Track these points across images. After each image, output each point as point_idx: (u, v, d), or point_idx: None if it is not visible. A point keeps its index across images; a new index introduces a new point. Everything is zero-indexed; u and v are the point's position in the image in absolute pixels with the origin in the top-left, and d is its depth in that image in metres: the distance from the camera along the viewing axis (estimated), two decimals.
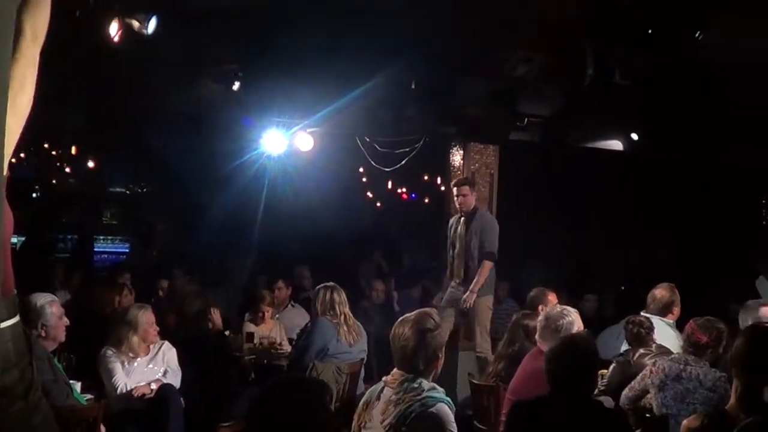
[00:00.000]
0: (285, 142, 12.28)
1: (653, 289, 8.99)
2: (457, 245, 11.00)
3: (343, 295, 9.56)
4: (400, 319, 5.21)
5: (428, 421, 4.78)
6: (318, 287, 9.83)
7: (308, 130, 12.26)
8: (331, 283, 9.68)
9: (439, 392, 4.94)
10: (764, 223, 15.34)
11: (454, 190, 11.11)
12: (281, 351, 10.58)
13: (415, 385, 4.91)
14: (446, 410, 4.85)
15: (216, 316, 9.91)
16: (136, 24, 8.61)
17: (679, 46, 9.44)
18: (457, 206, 11.12)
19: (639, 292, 9.47)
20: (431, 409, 4.79)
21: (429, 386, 4.93)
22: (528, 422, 5.46)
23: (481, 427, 8.07)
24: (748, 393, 4.81)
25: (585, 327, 7.79)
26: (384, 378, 5.17)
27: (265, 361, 10.18)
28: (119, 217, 22.78)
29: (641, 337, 8.12)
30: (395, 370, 5.11)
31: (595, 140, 14.07)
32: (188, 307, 9.92)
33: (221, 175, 14.18)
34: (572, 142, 13.81)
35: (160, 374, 8.52)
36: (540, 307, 9.45)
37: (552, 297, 9.84)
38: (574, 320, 7.26)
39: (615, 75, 10.20)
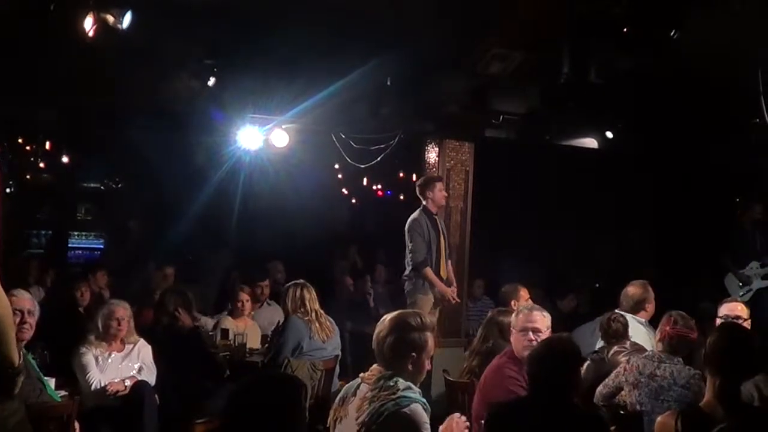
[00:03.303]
0: (260, 138, 12.26)
1: (626, 287, 9.03)
2: (435, 243, 10.95)
3: (313, 292, 9.55)
4: (386, 315, 5.20)
5: (401, 422, 4.77)
6: (288, 285, 9.82)
7: (284, 126, 12.24)
8: (301, 281, 9.67)
9: (415, 392, 4.93)
10: (737, 221, 15.37)
11: (438, 185, 11.05)
12: (256, 348, 10.57)
13: (391, 384, 4.90)
14: (420, 411, 4.84)
15: (185, 315, 9.87)
16: (110, 19, 8.56)
17: (655, 45, 9.47)
18: (441, 203, 11.10)
19: (614, 289, 9.49)
20: (405, 410, 4.78)
21: (405, 385, 4.91)
22: (506, 423, 5.46)
23: None
24: (723, 390, 4.84)
25: (561, 325, 7.81)
26: (361, 374, 5.16)
27: (240, 358, 10.16)
28: (94, 213, 22.65)
29: (617, 334, 8.15)
30: (374, 366, 5.11)
31: (571, 138, 14.11)
32: (165, 304, 9.87)
33: (197, 171, 14.15)
34: (548, 139, 13.84)
35: (134, 371, 8.51)
36: (512, 302, 9.49)
37: (524, 292, 9.87)
38: (522, 315, 7.24)
39: (591, 73, 10.22)
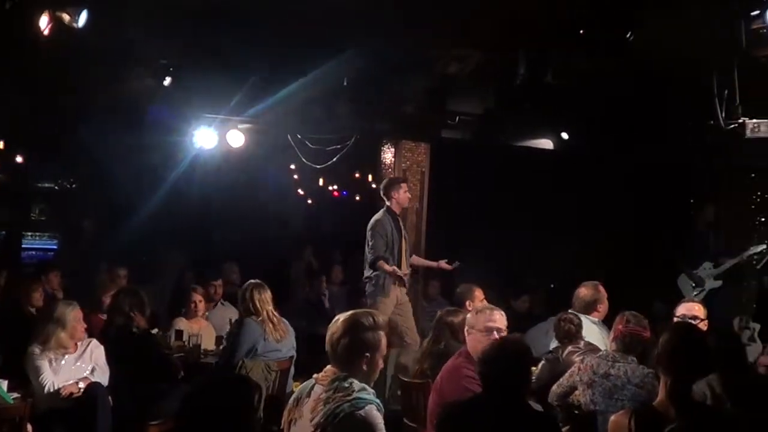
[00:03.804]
0: (216, 138, 12.23)
1: (578, 288, 9.08)
2: (398, 244, 10.96)
3: (267, 293, 9.50)
4: (338, 316, 5.19)
5: (356, 423, 4.75)
6: (243, 286, 9.79)
7: (240, 127, 12.21)
8: (255, 281, 9.63)
9: (370, 393, 4.92)
10: (691, 221, 15.48)
11: (402, 186, 11.08)
12: (210, 349, 10.54)
13: (346, 385, 4.88)
14: (375, 413, 4.83)
15: (139, 316, 9.81)
16: (66, 17, 8.51)
17: (611, 47, 9.52)
18: (405, 204, 11.12)
19: (568, 290, 9.54)
20: (360, 412, 4.77)
21: (359, 386, 4.90)
22: (458, 423, 5.46)
23: (410, 424, 8.06)
24: (675, 390, 4.87)
25: (516, 325, 7.84)
26: (315, 375, 5.15)
27: (195, 359, 10.12)
28: (48, 214, 22.47)
29: (571, 334, 8.20)
30: (328, 366, 5.09)
31: (526, 139, 14.17)
32: (118, 305, 9.80)
33: (152, 171, 14.08)
34: (504, 140, 13.88)
35: (87, 372, 8.43)
36: (467, 303, 9.50)
37: (479, 293, 9.88)
38: (480, 319, 7.26)
39: (547, 75, 10.26)
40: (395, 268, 10.77)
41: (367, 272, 10.92)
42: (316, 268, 16.34)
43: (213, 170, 13.59)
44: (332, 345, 5.04)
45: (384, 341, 5.17)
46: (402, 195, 11.00)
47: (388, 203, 11.00)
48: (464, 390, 6.55)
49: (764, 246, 14.18)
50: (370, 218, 11.58)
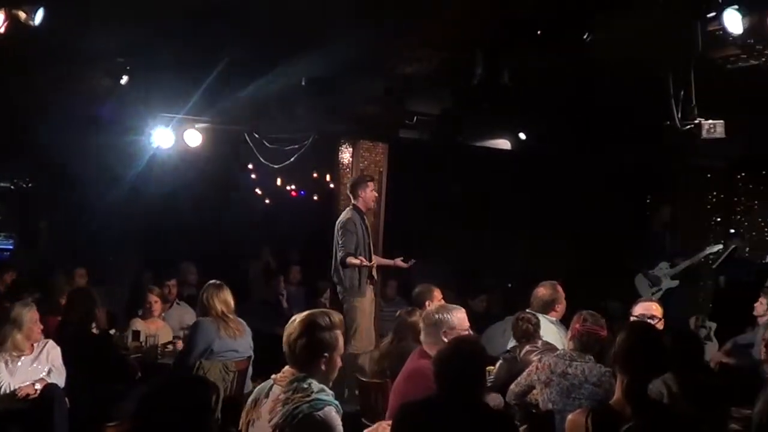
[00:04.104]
0: (174, 137, 12.17)
1: (536, 288, 9.11)
2: (365, 242, 10.97)
3: (222, 293, 9.42)
4: (295, 317, 5.18)
5: (314, 425, 4.75)
6: (204, 287, 9.74)
7: (197, 126, 12.16)
8: (213, 281, 9.58)
9: (328, 395, 4.92)
10: (647, 222, 15.59)
11: (370, 185, 11.10)
12: (168, 350, 10.49)
13: (305, 386, 4.88)
14: (333, 414, 4.83)
15: (101, 314, 9.76)
16: (22, 15, 8.43)
17: (568, 48, 9.56)
18: (371, 203, 11.14)
19: (526, 289, 9.57)
20: (319, 413, 4.77)
21: (318, 388, 4.90)
22: (415, 423, 5.47)
23: (368, 424, 8.07)
24: (631, 388, 4.90)
25: (473, 324, 7.84)
26: (273, 375, 5.14)
27: (152, 359, 10.08)
28: (4, 213, 22.28)
29: (529, 333, 8.24)
30: (286, 367, 5.09)
31: (484, 139, 14.20)
32: (73, 305, 9.74)
33: (109, 171, 13.99)
34: (461, 140, 13.91)
35: (44, 373, 8.38)
36: (426, 303, 9.49)
37: (438, 293, 9.89)
38: (451, 316, 7.28)
39: (504, 75, 10.29)
40: (362, 258, 10.77)
41: (337, 275, 10.93)
42: (274, 268, 16.30)
43: (171, 170, 13.51)
44: (290, 346, 5.03)
45: (341, 340, 5.18)
46: (369, 193, 11.03)
47: (354, 201, 11.02)
48: (430, 390, 6.55)
49: (720, 246, 14.31)
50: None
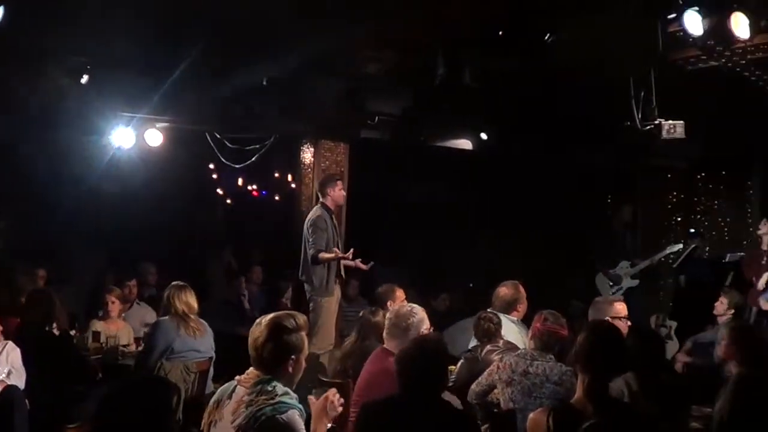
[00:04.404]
0: (134, 136, 12.10)
1: (498, 287, 9.12)
2: (333, 241, 10.96)
3: (185, 294, 9.38)
4: (260, 319, 5.15)
5: (277, 427, 4.72)
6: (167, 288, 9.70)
7: (158, 126, 12.11)
8: (176, 282, 9.54)
9: (293, 398, 4.89)
10: (608, 221, 15.67)
11: (339, 183, 11.09)
12: (128, 350, 10.44)
13: (269, 388, 4.85)
14: (296, 418, 4.80)
15: (62, 315, 9.69)
16: None
17: (530, 49, 9.59)
18: (340, 201, 11.13)
19: (487, 289, 9.58)
20: (282, 416, 4.74)
21: (283, 391, 4.88)
22: (378, 422, 5.47)
23: (330, 424, 8.06)
24: (592, 387, 4.92)
25: (435, 324, 7.85)
26: (237, 377, 5.11)
27: (112, 360, 10.02)
28: None
29: (490, 332, 8.25)
30: (251, 369, 5.06)
31: (446, 139, 14.22)
32: (33, 306, 9.67)
33: (69, 170, 13.88)
34: (423, 140, 13.92)
35: (3, 375, 8.31)
36: (389, 303, 9.49)
37: (400, 293, 9.89)
38: (423, 318, 7.33)
39: (465, 75, 10.30)
40: (336, 250, 10.75)
41: (306, 274, 10.91)
42: (235, 268, 16.26)
43: (131, 169, 13.43)
44: (257, 349, 5.00)
45: (306, 341, 5.16)
46: (337, 192, 11.02)
47: (323, 200, 11.00)
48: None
49: (680, 246, 14.40)
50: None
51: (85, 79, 10.47)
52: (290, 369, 5.02)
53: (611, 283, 14.05)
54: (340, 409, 5.16)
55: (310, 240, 10.76)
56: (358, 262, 11.08)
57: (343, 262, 11.05)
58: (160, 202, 15.66)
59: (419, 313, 7.36)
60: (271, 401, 4.79)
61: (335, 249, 10.76)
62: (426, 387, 5.44)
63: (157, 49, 9.97)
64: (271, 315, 5.13)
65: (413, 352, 5.63)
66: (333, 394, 5.13)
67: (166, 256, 14.89)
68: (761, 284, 12.23)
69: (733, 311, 11.25)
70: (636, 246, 14.69)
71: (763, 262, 12.67)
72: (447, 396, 7.27)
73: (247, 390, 4.91)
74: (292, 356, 5.01)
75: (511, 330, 8.63)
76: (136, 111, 11.74)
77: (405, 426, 5.35)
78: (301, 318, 5.17)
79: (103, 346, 10.32)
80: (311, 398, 5.24)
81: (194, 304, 9.37)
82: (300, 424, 4.81)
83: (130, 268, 13.40)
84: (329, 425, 5.15)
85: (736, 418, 6.35)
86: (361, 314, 8.89)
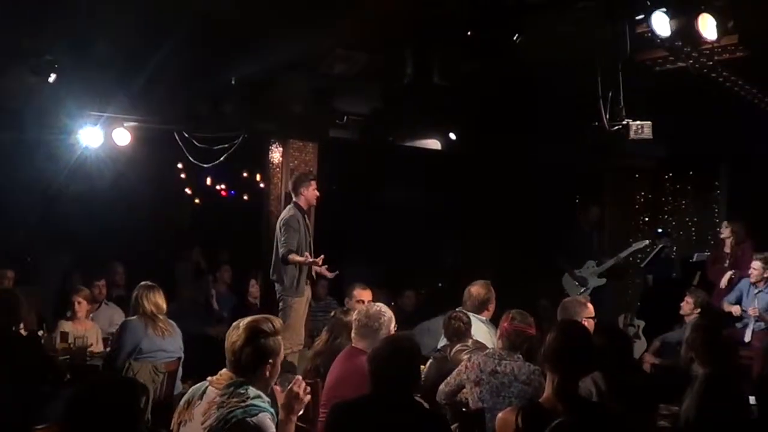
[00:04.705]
0: (102, 136, 12.03)
1: (469, 287, 9.13)
2: (306, 240, 10.94)
3: (154, 294, 9.36)
4: (238, 323, 5.13)
5: (248, 430, 4.72)
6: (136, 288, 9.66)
7: (126, 125, 12.04)
8: (146, 282, 9.51)
9: (264, 401, 4.88)
10: (576, 221, 15.72)
11: (312, 183, 11.06)
12: (97, 351, 10.39)
13: (242, 391, 4.83)
14: (267, 422, 4.79)
15: (30, 315, 9.64)
16: None
17: (498, 49, 9.61)
18: (313, 201, 11.10)
19: (455, 289, 9.60)
20: (252, 419, 4.72)
21: (255, 394, 4.86)
22: (348, 423, 5.46)
23: (300, 424, 8.04)
24: (562, 387, 4.94)
25: (401, 323, 7.86)
26: (209, 378, 5.09)
27: (81, 361, 9.97)
28: None
29: (460, 332, 8.26)
30: (224, 370, 5.04)
31: (414, 139, 14.24)
32: None
33: (36, 170, 13.80)
34: (392, 140, 13.93)
35: None
36: (345, 300, 9.56)
37: (366, 294, 9.92)
38: (391, 317, 7.37)
39: (434, 75, 10.32)
40: (307, 254, 10.73)
41: (278, 273, 10.88)
42: (204, 268, 16.21)
43: (99, 169, 13.36)
44: (234, 353, 4.98)
45: (282, 346, 5.16)
46: (311, 192, 10.99)
47: (296, 199, 10.97)
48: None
49: (646, 242, 14.46)
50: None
51: (52, 77, 10.41)
52: (267, 373, 5.02)
53: (577, 283, 14.10)
54: (307, 398, 5.16)
55: (282, 240, 10.74)
56: (324, 269, 11.05)
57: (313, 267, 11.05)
58: (128, 202, 15.58)
59: (387, 312, 7.41)
60: (243, 404, 4.77)
61: (306, 253, 10.76)
62: (399, 386, 5.44)
63: (125, 48, 9.92)
64: (248, 319, 5.12)
65: (387, 351, 5.62)
66: (298, 385, 5.12)
67: (134, 256, 14.82)
68: (723, 283, 12.34)
69: (699, 310, 11.34)
70: (604, 246, 14.75)
71: (726, 265, 12.77)
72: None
73: (219, 391, 4.90)
74: (270, 360, 5.00)
75: (480, 330, 8.66)
76: (104, 110, 11.68)
77: (376, 426, 5.34)
78: (278, 322, 5.16)
79: (71, 347, 10.26)
80: (277, 388, 5.23)
81: (163, 304, 9.34)
82: (271, 427, 4.80)
83: (98, 268, 13.33)
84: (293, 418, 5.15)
85: (703, 416, 6.41)
86: (332, 313, 8.88)
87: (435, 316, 10.48)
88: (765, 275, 11.63)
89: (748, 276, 11.83)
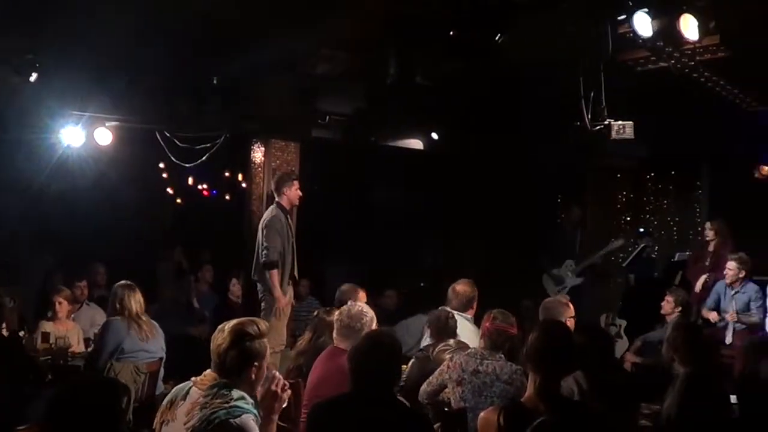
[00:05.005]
0: (84, 136, 11.99)
1: (454, 285, 9.11)
2: (289, 241, 10.93)
3: (132, 293, 9.35)
4: (223, 325, 5.12)
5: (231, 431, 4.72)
6: (114, 287, 9.63)
7: (108, 124, 12.01)
8: (125, 282, 9.49)
9: (248, 403, 4.87)
10: (558, 221, 15.75)
11: (295, 183, 11.05)
12: (78, 351, 10.37)
13: (225, 392, 4.83)
14: (251, 423, 4.78)
15: (11, 315, 9.61)
16: None
17: (481, 49, 9.62)
18: (295, 202, 11.09)
19: (436, 288, 9.60)
20: (235, 420, 4.71)
21: (239, 395, 4.85)
22: (330, 421, 5.45)
23: (281, 424, 8.03)
24: (544, 386, 4.95)
25: (384, 323, 7.87)
26: (193, 378, 5.09)
27: (62, 361, 9.94)
28: None
29: (450, 331, 8.26)
30: (208, 371, 5.04)
31: (397, 139, 14.23)
32: None
33: (17, 170, 13.75)
34: (374, 140, 13.92)
35: None
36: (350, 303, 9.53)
37: (362, 294, 9.91)
38: (373, 317, 7.38)
39: (416, 75, 10.32)
40: (279, 295, 10.76)
41: (259, 274, 10.87)
42: (185, 268, 16.18)
43: (81, 169, 13.31)
44: (219, 355, 4.97)
45: (268, 348, 5.16)
46: (293, 192, 10.97)
47: (278, 199, 10.95)
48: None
49: (622, 241, 14.50)
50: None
51: (34, 77, 10.37)
52: (253, 376, 5.01)
53: (555, 283, 14.15)
54: (286, 395, 5.16)
55: (264, 244, 10.72)
56: (283, 304, 11.01)
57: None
58: (110, 202, 15.54)
59: (369, 312, 7.43)
60: (226, 405, 4.77)
61: (280, 296, 10.79)
62: (380, 382, 5.42)
63: (107, 48, 9.89)
64: (233, 321, 5.11)
65: (367, 347, 5.62)
66: (276, 383, 5.12)
67: (116, 256, 14.78)
68: (697, 287, 12.35)
69: (680, 309, 11.38)
70: (585, 246, 14.78)
71: (707, 264, 12.79)
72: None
73: (203, 392, 4.89)
74: (255, 363, 5.00)
75: (466, 328, 8.66)
76: (86, 109, 11.64)
77: (358, 423, 5.34)
78: (263, 324, 5.16)
79: (52, 347, 10.22)
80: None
81: (143, 303, 9.35)
82: (254, 429, 4.79)
83: (79, 268, 13.29)
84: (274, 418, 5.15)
85: (684, 415, 6.43)
86: (315, 313, 8.87)
87: (408, 316, 10.52)
88: (740, 276, 11.63)
89: (724, 277, 11.85)
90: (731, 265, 11.66)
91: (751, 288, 11.62)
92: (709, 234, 12.89)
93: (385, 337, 5.85)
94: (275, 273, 10.66)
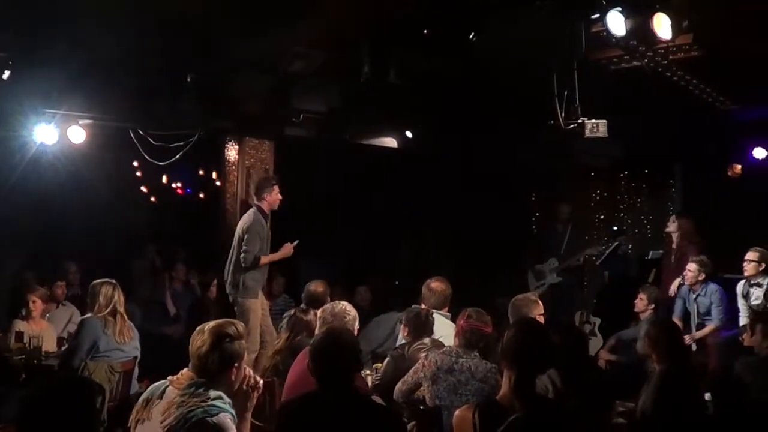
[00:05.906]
0: (56, 133, 11.93)
1: (429, 282, 9.10)
2: (268, 244, 10.94)
3: (110, 291, 9.31)
4: (202, 327, 5.12)
5: (207, 430, 4.72)
6: (92, 284, 9.60)
7: (81, 122, 11.96)
8: (101, 279, 9.46)
9: (225, 402, 4.88)
10: (533, 219, 15.79)
11: (275, 188, 11.06)
12: (52, 351, 10.33)
13: (202, 391, 4.84)
14: (227, 422, 4.79)
15: None
16: None
17: (454, 48, 9.62)
18: (275, 206, 11.09)
19: (411, 286, 9.60)
20: (212, 419, 4.72)
21: (216, 395, 4.86)
22: (299, 420, 5.45)
23: (257, 423, 8.02)
24: (518, 384, 4.95)
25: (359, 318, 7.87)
26: (170, 377, 5.08)
27: (35, 361, 9.90)
28: None
29: (425, 327, 8.25)
30: (185, 370, 5.04)
31: (372, 137, 14.23)
32: None
33: None
34: (349, 138, 13.92)
35: None
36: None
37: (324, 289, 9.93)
38: (356, 316, 7.41)
39: (390, 73, 10.32)
40: (281, 252, 10.80)
41: (232, 276, 10.85)
42: (159, 267, 16.14)
43: (54, 167, 13.26)
44: (200, 358, 4.97)
45: (246, 349, 5.17)
46: (274, 196, 11.01)
47: (258, 203, 10.97)
48: None
49: (602, 248, 14.56)
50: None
51: (6, 75, 10.32)
52: (232, 377, 5.02)
53: (535, 278, 14.20)
54: (257, 393, 5.17)
55: (245, 247, 10.72)
56: (286, 246, 11.09)
57: (272, 258, 11.04)
58: (83, 200, 15.48)
59: (352, 311, 7.45)
60: (203, 403, 4.77)
61: (282, 250, 10.85)
62: (343, 379, 5.42)
63: (80, 46, 9.85)
64: (212, 323, 5.12)
65: (327, 343, 5.60)
66: (247, 381, 5.13)
67: (90, 255, 14.73)
68: (671, 291, 12.35)
69: (653, 306, 11.44)
70: (571, 245, 14.80)
71: (672, 260, 12.82)
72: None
73: (179, 391, 4.89)
74: (235, 364, 5.02)
75: (444, 324, 8.65)
76: (59, 107, 11.59)
77: (331, 422, 5.33)
78: (241, 325, 5.18)
79: (26, 347, 10.19)
80: None
81: (123, 301, 9.35)
82: (231, 428, 4.80)
83: (52, 266, 13.25)
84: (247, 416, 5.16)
85: (659, 412, 6.46)
86: (292, 312, 8.86)
87: (379, 313, 10.55)
88: (699, 278, 11.58)
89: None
90: (692, 267, 11.62)
91: (711, 290, 11.58)
92: (671, 227, 12.90)
93: (343, 333, 5.88)
94: (263, 258, 10.81)
